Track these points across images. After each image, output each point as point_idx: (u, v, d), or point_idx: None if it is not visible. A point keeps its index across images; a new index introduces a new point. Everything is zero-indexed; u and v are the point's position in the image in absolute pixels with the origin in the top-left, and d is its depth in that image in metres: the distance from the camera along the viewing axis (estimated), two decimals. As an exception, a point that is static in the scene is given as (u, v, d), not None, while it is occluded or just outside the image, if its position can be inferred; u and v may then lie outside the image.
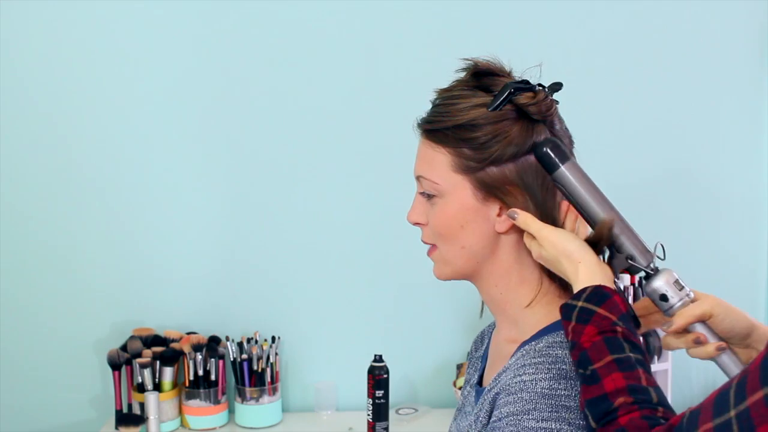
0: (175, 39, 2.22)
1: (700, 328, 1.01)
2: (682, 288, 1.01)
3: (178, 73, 2.23)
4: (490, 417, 1.06)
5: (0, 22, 2.18)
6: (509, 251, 1.11)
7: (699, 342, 1.01)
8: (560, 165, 1.04)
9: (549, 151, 1.04)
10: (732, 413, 0.76)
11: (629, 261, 1.03)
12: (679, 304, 1.01)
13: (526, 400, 0.99)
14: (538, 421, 0.98)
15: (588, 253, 1.02)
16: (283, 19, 2.22)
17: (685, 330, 1.02)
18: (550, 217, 1.07)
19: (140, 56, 2.22)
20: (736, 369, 1.01)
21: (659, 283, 1.01)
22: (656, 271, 1.03)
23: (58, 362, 2.29)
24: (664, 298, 1.01)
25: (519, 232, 1.10)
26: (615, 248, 1.04)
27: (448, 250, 1.12)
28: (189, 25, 2.21)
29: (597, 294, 0.98)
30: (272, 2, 2.21)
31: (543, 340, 1.05)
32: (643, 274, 1.04)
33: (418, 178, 1.13)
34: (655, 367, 2.08)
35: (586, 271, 1.01)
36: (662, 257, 1.04)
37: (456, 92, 1.10)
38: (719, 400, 0.79)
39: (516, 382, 1.02)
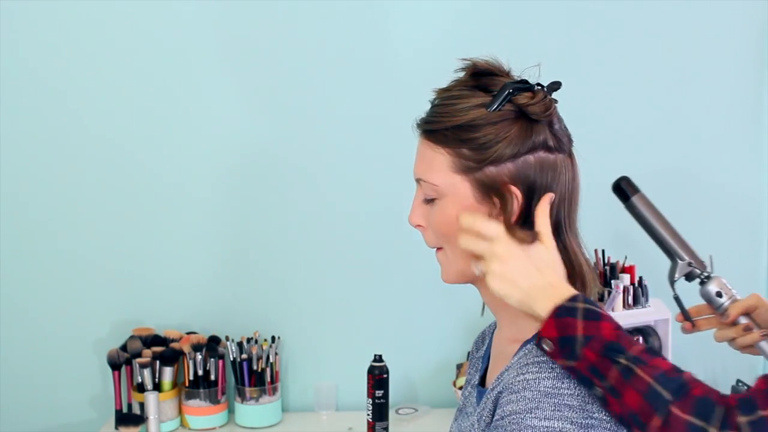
0: (176, 38, 2.22)
1: (744, 320, 1.30)
2: (729, 289, 1.29)
3: (177, 73, 2.23)
4: (493, 416, 1.06)
5: (1, 21, 2.18)
6: None
7: (748, 329, 1.29)
8: (630, 197, 1.28)
9: (621, 185, 1.29)
10: None
11: (690, 266, 1.27)
12: (729, 301, 1.29)
13: (528, 399, 0.99)
14: (540, 420, 0.97)
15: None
16: (283, 17, 2.22)
17: (734, 323, 1.30)
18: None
19: (141, 55, 2.22)
20: None
21: (715, 284, 1.29)
22: (710, 276, 1.28)
23: (58, 362, 2.29)
24: (719, 294, 1.29)
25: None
26: (677, 257, 1.27)
27: (452, 250, 1.11)
28: (190, 23, 2.22)
29: (590, 300, 1.03)
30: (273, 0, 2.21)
31: (545, 338, 1.05)
32: (697, 280, 1.28)
33: (417, 180, 1.13)
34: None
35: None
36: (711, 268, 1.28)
37: (455, 92, 1.10)
38: None
39: (518, 381, 1.02)
